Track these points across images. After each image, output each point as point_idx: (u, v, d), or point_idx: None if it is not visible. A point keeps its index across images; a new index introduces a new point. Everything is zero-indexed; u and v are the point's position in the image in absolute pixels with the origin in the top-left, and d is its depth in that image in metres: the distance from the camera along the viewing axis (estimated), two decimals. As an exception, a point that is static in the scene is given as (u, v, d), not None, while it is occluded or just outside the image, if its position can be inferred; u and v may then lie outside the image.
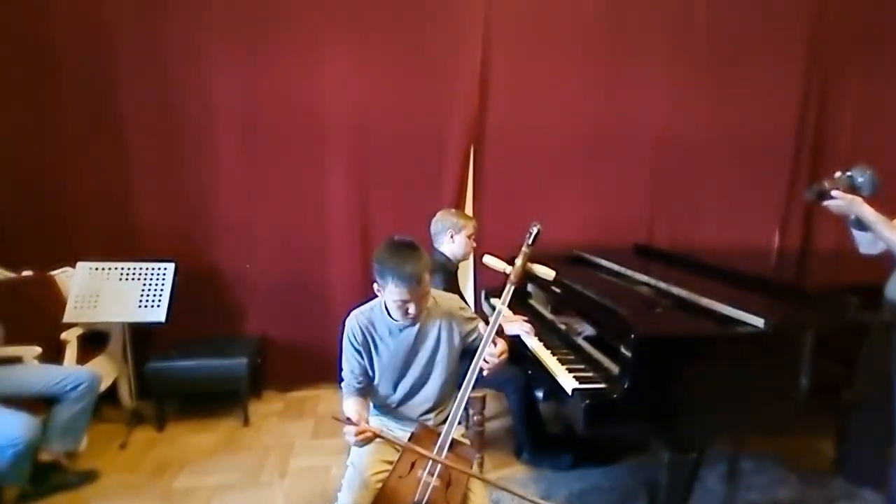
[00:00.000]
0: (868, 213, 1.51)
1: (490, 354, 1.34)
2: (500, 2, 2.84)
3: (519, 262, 1.40)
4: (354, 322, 1.47)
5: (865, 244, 1.69)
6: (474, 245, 2.27)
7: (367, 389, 1.50)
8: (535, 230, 1.41)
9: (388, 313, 1.43)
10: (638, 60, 3.00)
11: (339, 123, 2.84)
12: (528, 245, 1.41)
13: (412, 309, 1.37)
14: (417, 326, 1.46)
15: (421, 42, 2.83)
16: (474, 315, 1.59)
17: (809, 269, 2.88)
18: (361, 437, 1.25)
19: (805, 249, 3.22)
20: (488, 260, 1.52)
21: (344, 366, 1.49)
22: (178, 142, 2.78)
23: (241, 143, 2.81)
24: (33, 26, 2.58)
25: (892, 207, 1.56)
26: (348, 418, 1.27)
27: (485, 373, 1.34)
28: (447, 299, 1.56)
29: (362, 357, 1.47)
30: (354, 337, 1.46)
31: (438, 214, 2.26)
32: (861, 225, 1.56)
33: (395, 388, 1.51)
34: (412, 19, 2.81)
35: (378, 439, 1.30)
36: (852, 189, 1.52)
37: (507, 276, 1.42)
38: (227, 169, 2.83)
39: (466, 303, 1.86)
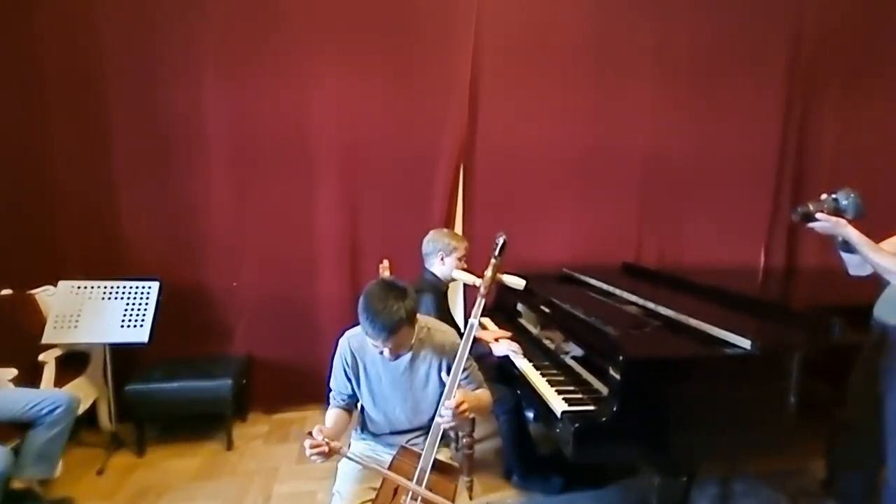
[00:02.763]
0: (853, 235, 1.53)
1: (447, 408, 1.25)
2: (489, 24, 2.89)
3: (488, 273, 1.39)
4: (346, 344, 1.48)
5: (854, 266, 1.71)
6: (464, 267, 2.25)
7: (351, 406, 1.52)
8: (500, 241, 1.40)
9: None
10: (624, 84, 3.07)
11: (329, 142, 2.85)
12: (496, 256, 1.39)
13: (386, 353, 1.34)
14: (408, 357, 1.44)
15: (411, 62, 2.87)
16: (469, 357, 1.52)
17: (796, 289, 2.91)
18: (316, 450, 1.19)
19: (790, 268, 3.26)
20: (458, 274, 1.52)
21: (332, 383, 1.51)
22: (164, 157, 2.76)
23: (230, 160, 2.80)
24: (19, 39, 2.55)
25: (875, 228, 1.59)
26: (310, 433, 1.21)
27: (442, 423, 1.27)
28: (442, 333, 1.50)
29: (349, 380, 1.48)
30: (345, 359, 1.47)
31: (431, 234, 2.23)
32: (848, 247, 1.58)
33: (384, 414, 1.49)
34: (402, 39, 2.84)
35: (361, 467, 1.26)
36: (837, 211, 1.54)
37: (477, 288, 1.41)
38: (215, 185, 2.81)
39: (458, 329, 1.83)
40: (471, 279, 1.44)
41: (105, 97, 2.66)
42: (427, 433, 1.46)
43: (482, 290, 1.38)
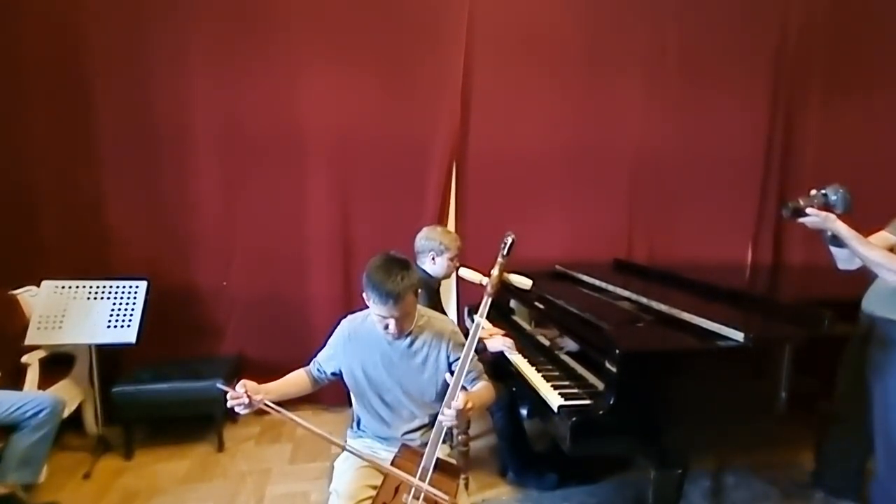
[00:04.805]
0: (842, 229, 1.56)
1: (453, 409, 1.25)
2: (482, 22, 2.89)
3: (495, 272, 1.38)
4: (346, 326, 1.53)
5: (843, 260, 1.74)
6: (457, 265, 2.24)
7: (319, 379, 1.54)
8: (509, 240, 1.39)
9: None
10: (614, 83, 3.09)
11: (320, 139, 2.82)
12: (504, 255, 1.39)
13: (392, 327, 1.37)
14: (407, 341, 1.46)
15: (403, 59, 2.85)
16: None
17: (784, 284, 2.95)
18: (236, 401, 1.24)
19: (777, 264, 3.32)
20: (464, 272, 1.51)
21: (320, 353, 1.55)
22: (152, 154, 2.70)
23: (219, 157, 2.76)
24: (1, 31, 2.48)
25: (861, 224, 1.62)
26: (234, 386, 1.25)
27: (445, 422, 1.26)
28: (441, 321, 1.55)
29: (335, 360, 1.51)
30: (341, 340, 1.51)
31: (424, 231, 2.21)
32: (837, 241, 1.61)
33: (379, 400, 1.49)
34: (395, 36, 2.83)
35: (358, 466, 1.24)
36: (826, 206, 1.57)
37: (483, 287, 1.40)
38: (204, 182, 2.76)
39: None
40: (477, 278, 1.43)
41: (90, 91, 2.60)
42: (421, 424, 1.49)
43: (489, 289, 1.37)
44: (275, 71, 2.74)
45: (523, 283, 1.39)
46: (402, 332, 1.41)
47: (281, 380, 1.46)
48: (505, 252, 1.38)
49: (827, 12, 3.19)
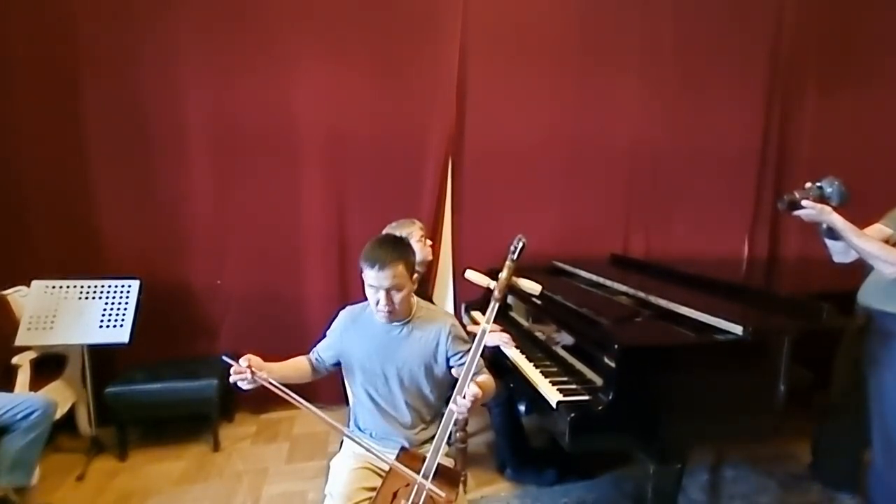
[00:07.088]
0: (837, 221, 1.56)
1: (467, 397, 1.21)
2: (476, 18, 2.87)
3: (503, 276, 1.34)
4: (345, 315, 1.54)
5: (838, 253, 1.74)
6: (430, 244, 2.24)
7: (318, 367, 1.54)
8: (520, 244, 1.35)
9: None
10: (610, 78, 3.08)
11: (315, 135, 2.79)
12: (513, 259, 1.35)
13: (382, 300, 1.35)
14: (405, 331, 1.45)
15: (398, 53, 2.82)
16: (468, 339, 1.50)
17: (781, 277, 2.96)
18: (239, 376, 1.25)
19: (773, 258, 3.32)
20: (470, 275, 1.47)
21: (320, 343, 1.56)
22: (143, 151, 2.66)
23: (212, 154, 2.72)
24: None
25: (859, 216, 1.62)
26: (240, 360, 1.26)
27: (456, 411, 1.23)
28: (442, 314, 1.54)
29: (333, 349, 1.52)
30: (340, 328, 1.52)
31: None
32: (833, 234, 1.61)
33: (375, 391, 1.47)
34: (389, 31, 2.80)
35: (354, 467, 1.21)
36: (822, 199, 1.56)
37: (490, 290, 1.36)
38: (197, 180, 2.73)
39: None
40: (485, 281, 1.39)
41: (80, 88, 2.55)
42: (417, 421, 1.48)
43: (496, 293, 1.32)
44: (268, 67, 2.70)
45: (532, 288, 1.34)
46: (393, 312, 1.38)
47: (283, 362, 1.47)
48: (514, 256, 1.35)
49: (822, 7, 3.20)
